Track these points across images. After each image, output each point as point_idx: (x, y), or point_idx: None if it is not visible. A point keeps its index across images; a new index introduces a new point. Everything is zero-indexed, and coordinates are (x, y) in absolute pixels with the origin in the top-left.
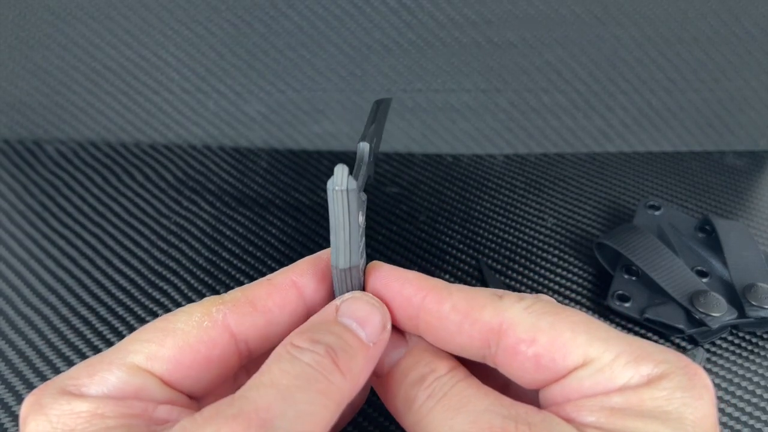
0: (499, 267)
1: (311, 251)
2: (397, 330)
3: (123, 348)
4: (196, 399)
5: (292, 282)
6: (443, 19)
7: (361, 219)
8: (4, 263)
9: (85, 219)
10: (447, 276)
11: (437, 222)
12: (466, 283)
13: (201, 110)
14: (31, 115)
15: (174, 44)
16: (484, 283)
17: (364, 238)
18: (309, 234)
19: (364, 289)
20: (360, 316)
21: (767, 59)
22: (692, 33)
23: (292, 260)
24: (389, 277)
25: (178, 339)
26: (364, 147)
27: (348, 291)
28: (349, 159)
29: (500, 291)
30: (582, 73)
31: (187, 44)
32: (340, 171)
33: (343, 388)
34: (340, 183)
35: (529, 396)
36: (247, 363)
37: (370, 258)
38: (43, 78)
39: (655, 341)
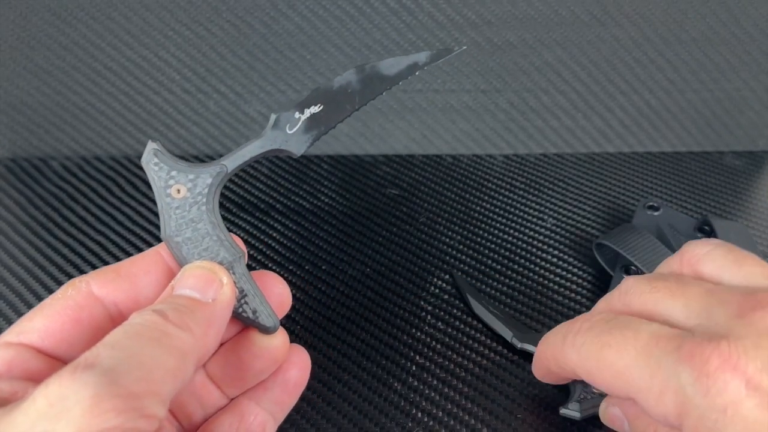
0: (499, 267)
1: (312, 254)
2: None
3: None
4: None
5: (156, 251)
6: (443, 19)
7: (183, 192)
8: (9, 271)
9: (89, 228)
10: (447, 276)
11: (437, 223)
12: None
13: (202, 110)
14: (33, 116)
15: (175, 45)
16: (461, 295)
17: (208, 217)
18: (310, 237)
19: None
20: (192, 283)
21: (766, 60)
22: (691, 34)
23: (292, 263)
24: None
25: (46, 310)
26: (270, 119)
27: (182, 262)
28: (349, 161)
29: None
30: (581, 73)
31: (188, 45)
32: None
33: (183, 338)
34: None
35: None
36: None
37: (374, 261)
38: (44, 78)
39: None
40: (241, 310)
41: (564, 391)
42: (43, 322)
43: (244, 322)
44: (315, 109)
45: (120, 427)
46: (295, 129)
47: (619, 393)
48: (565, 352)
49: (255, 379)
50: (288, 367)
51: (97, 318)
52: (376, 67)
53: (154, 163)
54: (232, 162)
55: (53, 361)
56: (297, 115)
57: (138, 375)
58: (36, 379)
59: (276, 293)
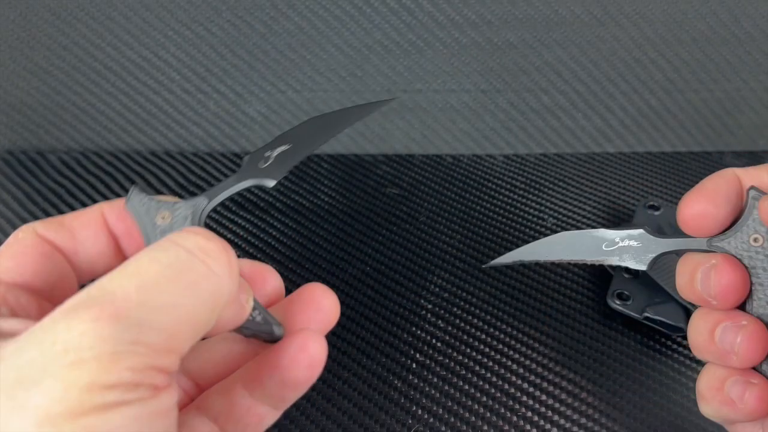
0: (499, 266)
1: (312, 252)
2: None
3: None
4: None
5: (99, 208)
6: (443, 19)
7: (168, 218)
8: None
9: None
10: (447, 275)
11: (437, 222)
12: (464, 285)
13: (202, 110)
14: (33, 116)
15: (175, 45)
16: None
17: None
18: (309, 235)
19: None
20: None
21: (766, 60)
22: (691, 34)
23: (292, 261)
24: None
25: (6, 252)
26: (244, 159)
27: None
28: (349, 160)
29: None
30: (581, 73)
31: (188, 45)
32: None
33: (221, 282)
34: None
35: None
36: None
37: (374, 260)
38: (44, 78)
39: (657, 339)
40: (251, 317)
41: (561, 401)
42: (13, 261)
43: (249, 330)
44: (283, 148)
45: (134, 383)
46: (267, 164)
47: None
48: None
49: None
50: (291, 366)
51: (53, 253)
52: (326, 116)
53: (138, 199)
54: (212, 194)
55: (36, 297)
56: (267, 153)
57: (166, 333)
58: (22, 314)
59: (272, 285)
